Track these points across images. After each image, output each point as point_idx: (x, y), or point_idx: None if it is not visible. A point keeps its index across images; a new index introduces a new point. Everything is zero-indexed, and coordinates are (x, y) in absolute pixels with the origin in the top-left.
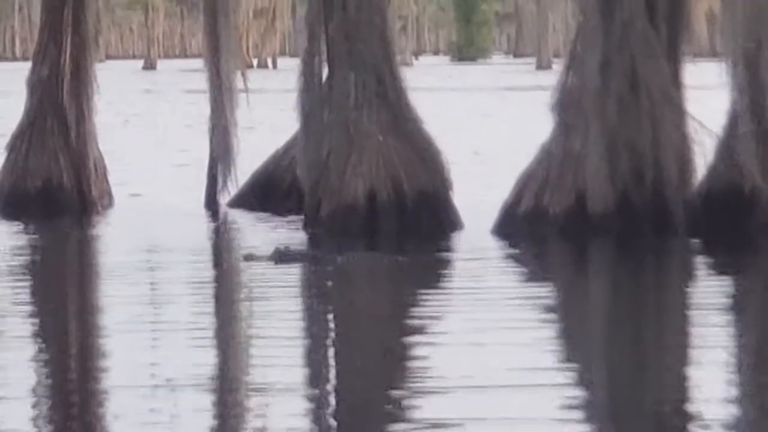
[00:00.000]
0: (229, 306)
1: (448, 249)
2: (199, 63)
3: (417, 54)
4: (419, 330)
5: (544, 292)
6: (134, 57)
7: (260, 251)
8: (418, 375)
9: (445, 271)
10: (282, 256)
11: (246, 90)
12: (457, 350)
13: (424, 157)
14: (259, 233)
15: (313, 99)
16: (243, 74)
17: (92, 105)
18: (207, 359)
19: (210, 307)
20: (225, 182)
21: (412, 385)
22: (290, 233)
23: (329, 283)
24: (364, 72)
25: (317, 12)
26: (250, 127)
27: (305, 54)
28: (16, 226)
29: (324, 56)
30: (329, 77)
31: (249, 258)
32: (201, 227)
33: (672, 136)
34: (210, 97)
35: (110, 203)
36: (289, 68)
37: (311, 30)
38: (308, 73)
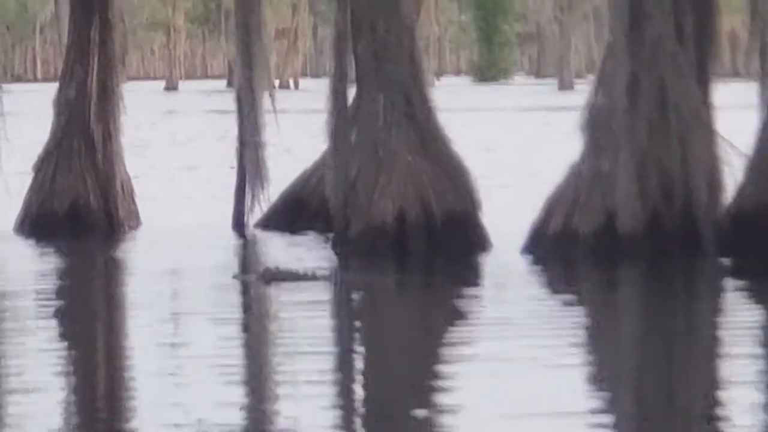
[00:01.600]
0: (255, 334)
1: (477, 269)
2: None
3: (438, 75)
4: (446, 353)
5: (573, 313)
6: (155, 78)
7: (251, 270)
8: (445, 397)
9: (473, 293)
10: (272, 276)
11: (274, 111)
12: (483, 373)
13: (453, 178)
14: (287, 254)
15: (341, 119)
16: (271, 95)
17: (119, 126)
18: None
19: (236, 334)
20: (253, 203)
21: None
22: (318, 254)
23: (354, 302)
24: (393, 92)
25: (345, 32)
26: (276, 147)
27: (333, 74)
28: (43, 247)
29: (352, 76)
30: (357, 98)
31: (238, 277)
32: (228, 249)
33: (701, 155)
34: (238, 117)
35: (137, 224)
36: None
37: (339, 50)
38: (336, 94)
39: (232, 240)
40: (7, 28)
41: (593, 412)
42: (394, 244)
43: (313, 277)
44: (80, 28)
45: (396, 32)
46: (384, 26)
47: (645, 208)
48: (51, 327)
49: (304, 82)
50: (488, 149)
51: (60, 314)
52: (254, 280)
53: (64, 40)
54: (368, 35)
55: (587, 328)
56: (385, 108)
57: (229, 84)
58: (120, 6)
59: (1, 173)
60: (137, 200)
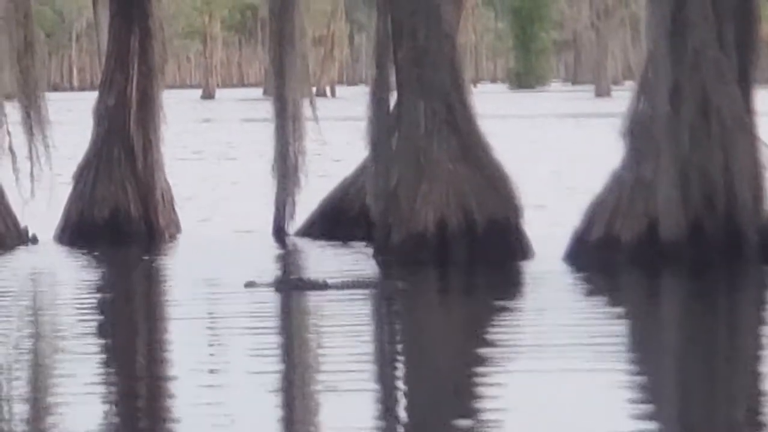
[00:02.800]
0: (294, 342)
1: (518, 277)
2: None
3: (475, 82)
4: (487, 362)
5: (615, 323)
6: (191, 87)
7: (263, 279)
8: (486, 408)
9: (514, 301)
10: (284, 284)
11: (315, 118)
12: (524, 384)
13: (495, 185)
14: (328, 262)
15: (382, 127)
16: (311, 103)
17: (159, 134)
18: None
19: (275, 341)
20: (292, 211)
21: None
22: (359, 262)
23: (394, 308)
24: (434, 99)
25: (386, 40)
26: (315, 155)
27: (374, 82)
28: (83, 256)
29: (393, 84)
30: (398, 105)
31: (250, 285)
32: (268, 257)
33: (744, 162)
34: (276, 125)
35: (177, 233)
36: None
37: (380, 58)
38: (377, 101)
39: (272, 248)
40: (47, 36)
41: (635, 422)
42: (436, 252)
43: (325, 286)
44: (120, 36)
45: (437, 39)
46: (425, 33)
47: (687, 215)
48: (91, 336)
49: (340, 90)
50: (528, 156)
51: (100, 323)
52: (267, 288)
53: (102, 48)
54: (409, 42)
55: (629, 338)
56: (426, 115)
57: (266, 92)
58: (160, 15)
59: (41, 182)
60: (177, 209)
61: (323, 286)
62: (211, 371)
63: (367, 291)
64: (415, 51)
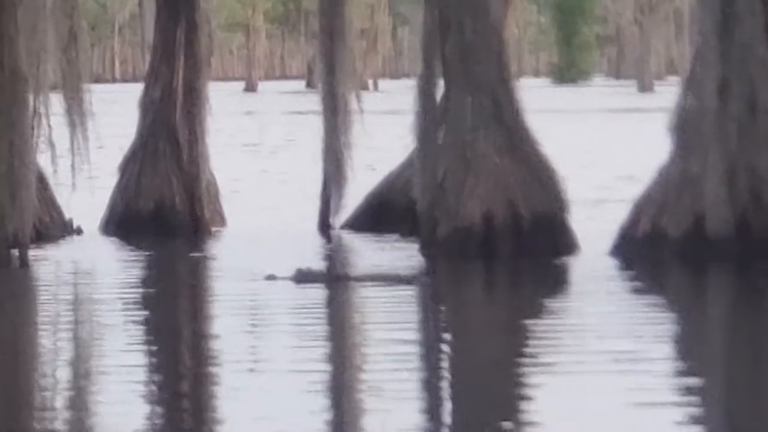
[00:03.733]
0: (338, 338)
1: (564, 272)
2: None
3: (518, 76)
4: (531, 359)
5: (661, 319)
6: (234, 79)
7: (282, 272)
8: (529, 409)
9: (560, 296)
10: (304, 277)
11: (360, 112)
12: (569, 381)
13: (541, 179)
14: (374, 256)
15: (429, 121)
16: (357, 96)
17: (205, 126)
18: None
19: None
20: (338, 205)
21: (522, 423)
22: (405, 255)
23: (442, 308)
24: (481, 94)
25: (433, 34)
26: (361, 149)
27: (421, 75)
28: (128, 247)
29: (440, 78)
30: (445, 99)
31: (271, 278)
32: (313, 250)
33: None
34: (323, 118)
35: (222, 225)
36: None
37: (427, 52)
38: (424, 95)
39: (317, 241)
40: (92, 28)
41: (680, 425)
42: (481, 246)
43: (346, 279)
44: (166, 28)
45: (484, 33)
46: (472, 27)
47: (734, 210)
48: (136, 328)
49: (383, 84)
50: (573, 151)
51: (145, 316)
52: (287, 281)
53: (145, 40)
54: (456, 36)
55: (675, 335)
56: (472, 109)
57: (309, 85)
58: (206, 7)
59: (85, 174)
60: (222, 201)
61: (345, 279)
62: (252, 368)
63: (391, 285)
64: (463, 45)
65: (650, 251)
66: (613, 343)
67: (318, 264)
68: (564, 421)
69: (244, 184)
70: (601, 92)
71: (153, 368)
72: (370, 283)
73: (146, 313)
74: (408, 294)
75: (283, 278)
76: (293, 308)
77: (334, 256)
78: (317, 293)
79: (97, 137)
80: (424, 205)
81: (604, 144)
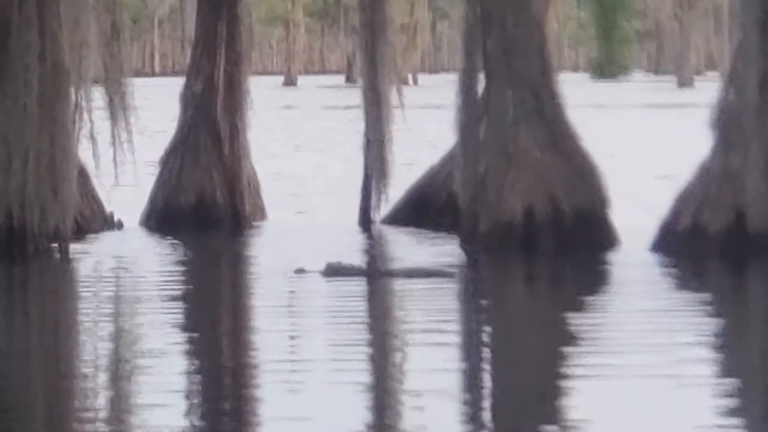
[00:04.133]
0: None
1: (605, 267)
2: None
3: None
4: (572, 357)
5: (702, 316)
6: (273, 73)
7: (312, 266)
8: (572, 411)
9: (601, 292)
10: (333, 271)
11: (401, 106)
12: (609, 379)
13: (582, 174)
14: (414, 250)
15: (470, 115)
16: (399, 91)
17: (246, 120)
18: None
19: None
20: (379, 199)
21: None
22: (446, 250)
23: (482, 303)
24: (522, 88)
25: (475, 28)
26: (401, 143)
27: (462, 70)
28: (169, 241)
29: (481, 72)
30: (486, 93)
31: (300, 272)
32: (354, 244)
33: None
34: (364, 113)
35: (263, 219)
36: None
37: (469, 46)
38: (465, 90)
39: (357, 236)
40: (134, 22)
41: (721, 418)
42: (523, 241)
43: (375, 273)
44: (208, 22)
45: (525, 27)
46: (514, 21)
47: None
48: (176, 323)
49: (422, 78)
50: (613, 146)
51: (184, 311)
52: (316, 275)
53: (185, 34)
54: (498, 31)
55: (715, 331)
56: (514, 104)
57: (348, 79)
58: (247, 0)
59: (125, 168)
60: (262, 195)
61: (374, 273)
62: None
63: (422, 280)
64: (504, 39)
65: (691, 246)
66: (654, 340)
67: (355, 258)
68: (605, 420)
69: (285, 178)
70: (640, 87)
71: (192, 365)
72: (399, 278)
73: (185, 308)
74: (448, 289)
75: (313, 272)
76: (332, 302)
77: (372, 250)
78: (355, 288)
79: (138, 131)
80: (466, 199)
81: (644, 139)
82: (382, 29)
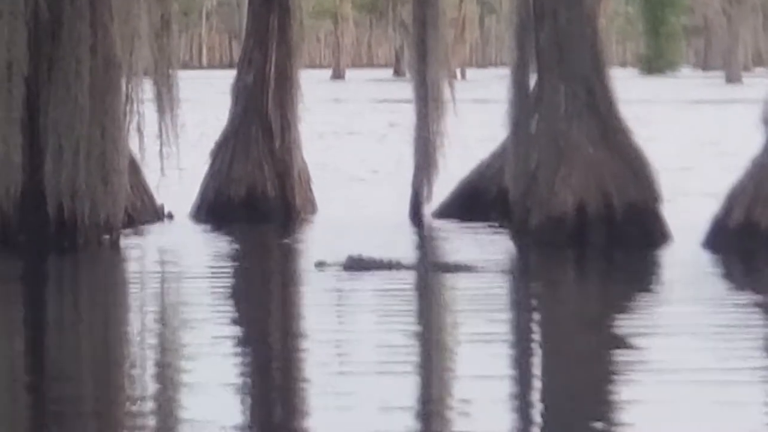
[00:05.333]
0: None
1: (657, 263)
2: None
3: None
4: (622, 354)
5: (754, 311)
6: (321, 67)
7: (332, 259)
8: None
9: (652, 287)
10: (355, 264)
11: (453, 101)
12: (659, 377)
13: (634, 169)
14: (465, 244)
15: (522, 110)
16: (450, 85)
17: (297, 113)
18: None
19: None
20: (430, 192)
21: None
22: (497, 244)
23: (533, 302)
24: (575, 83)
25: (527, 22)
26: (452, 137)
27: (515, 64)
28: (220, 234)
29: (533, 67)
30: (538, 88)
31: (320, 265)
32: (405, 238)
33: None
34: (415, 107)
35: (314, 212)
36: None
37: (521, 40)
38: (517, 84)
39: (408, 229)
40: (185, 14)
41: None
42: (574, 236)
43: (398, 266)
44: (260, 15)
45: (578, 22)
46: (566, 15)
47: None
48: (226, 315)
49: (470, 72)
50: (664, 142)
51: (233, 304)
52: (337, 268)
53: (231, 27)
54: (550, 25)
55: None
56: (566, 98)
57: (396, 73)
58: None
59: (174, 160)
60: (313, 188)
61: (395, 266)
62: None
63: (439, 274)
64: (556, 33)
65: (743, 242)
66: (705, 340)
67: (406, 252)
68: (655, 418)
69: (335, 171)
70: (688, 83)
71: (241, 358)
72: (422, 271)
73: (234, 301)
74: (497, 284)
75: (333, 265)
76: (379, 297)
77: (420, 244)
78: (406, 281)
79: (188, 123)
80: (517, 194)
81: (695, 134)
82: (433, 23)
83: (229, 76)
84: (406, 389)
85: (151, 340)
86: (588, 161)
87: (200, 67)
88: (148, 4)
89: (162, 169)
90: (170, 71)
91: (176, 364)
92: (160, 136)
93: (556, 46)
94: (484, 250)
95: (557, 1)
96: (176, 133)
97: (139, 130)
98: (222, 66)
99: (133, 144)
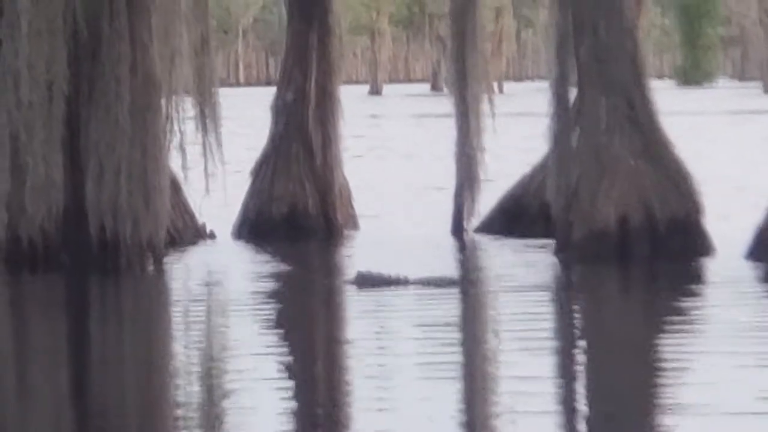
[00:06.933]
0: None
1: (700, 275)
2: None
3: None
4: (666, 369)
5: None
6: (357, 82)
7: (345, 275)
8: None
9: (696, 299)
10: (364, 280)
11: (492, 115)
12: (708, 388)
13: (676, 182)
14: (508, 259)
15: (563, 123)
16: (490, 99)
17: (338, 130)
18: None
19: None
20: (471, 208)
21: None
22: (539, 258)
23: (576, 314)
24: (615, 95)
25: (567, 35)
26: (492, 151)
27: (555, 77)
28: (262, 252)
29: (574, 80)
30: (579, 101)
31: (329, 281)
32: (447, 254)
33: None
34: (455, 122)
35: (355, 229)
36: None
37: (561, 53)
38: (558, 98)
39: (450, 245)
40: (225, 32)
41: None
42: (617, 249)
43: (405, 282)
44: (299, 32)
45: (618, 34)
46: (606, 28)
47: None
48: (268, 335)
49: (507, 86)
50: (704, 153)
51: (277, 323)
52: (347, 284)
53: (267, 44)
54: (591, 38)
55: None
56: (607, 111)
57: (434, 88)
58: (338, 10)
59: (216, 178)
60: (355, 205)
61: (404, 282)
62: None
63: (447, 289)
64: (597, 46)
65: None
66: (748, 349)
67: (448, 268)
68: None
69: (376, 188)
70: (726, 94)
71: (284, 376)
72: (429, 287)
73: (278, 320)
74: (542, 299)
75: (344, 281)
76: (422, 312)
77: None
78: (446, 296)
79: (229, 141)
80: (559, 208)
81: (734, 145)
82: (472, 39)
83: (267, 93)
84: (450, 399)
85: (194, 358)
86: (630, 174)
87: (237, 84)
88: (187, 23)
89: (205, 187)
90: (212, 89)
91: (219, 382)
92: (204, 154)
93: (597, 59)
94: (526, 264)
95: (597, 14)
96: (220, 152)
97: (182, 149)
98: (259, 83)
99: (174, 163)
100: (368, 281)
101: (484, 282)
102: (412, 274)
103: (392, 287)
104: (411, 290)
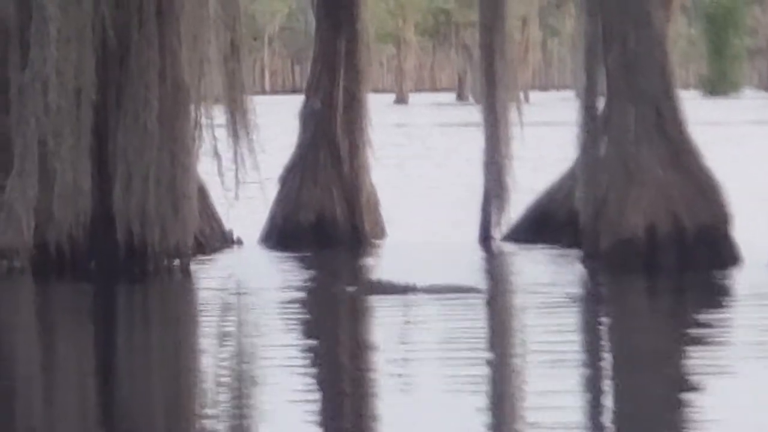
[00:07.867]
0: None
1: (728, 285)
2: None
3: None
4: (696, 377)
5: None
6: (383, 91)
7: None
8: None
9: (724, 310)
10: (372, 288)
11: (521, 124)
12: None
13: (704, 192)
14: (536, 268)
15: (592, 132)
16: (519, 108)
17: (365, 138)
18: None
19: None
20: (499, 216)
21: None
22: (567, 267)
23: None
24: (644, 105)
25: (596, 45)
26: (520, 160)
27: (584, 87)
28: (289, 259)
29: (602, 89)
30: (607, 110)
31: (339, 289)
32: (475, 262)
33: None
34: (483, 131)
35: (383, 237)
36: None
37: (589, 63)
38: (586, 107)
39: (477, 254)
40: (254, 39)
41: None
42: (644, 259)
43: (414, 290)
44: (327, 39)
45: (647, 44)
46: (635, 38)
47: None
48: (296, 343)
49: (533, 95)
50: (733, 164)
51: (304, 330)
52: (354, 292)
53: (293, 51)
54: (619, 47)
55: None
56: (636, 121)
57: (459, 97)
58: (365, 18)
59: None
60: (382, 213)
61: (411, 289)
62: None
63: (456, 296)
64: (626, 56)
65: None
66: None
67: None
68: None
69: (404, 196)
70: (753, 104)
71: (310, 384)
72: (437, 295)
73: (305, 328)
74: (567, 309)
75: (353, 289)
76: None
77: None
78: (470, 305)
79: (259, 149)
80: (587, 217)
81: (761, 155)
82: (500, 48)
83: (294, 101)
84: (475, 411)
85: (222, 367)
86: (658, 184)
87: (263, 92)
88: (216, 29)
89: (235, 194)
90: (243, 96)
91: (246, 391)
92: (235, 161)
93: (625, 69)
94: (554, 273)
95: (627, 24)
96: (254, 159)
97: (217, 155)
98: (285, 91)
99: (201, 169)
100: (376, 289)
101: (493, 291)
102: (421, 282)
103: (401, 295)
104: (434, 299)
